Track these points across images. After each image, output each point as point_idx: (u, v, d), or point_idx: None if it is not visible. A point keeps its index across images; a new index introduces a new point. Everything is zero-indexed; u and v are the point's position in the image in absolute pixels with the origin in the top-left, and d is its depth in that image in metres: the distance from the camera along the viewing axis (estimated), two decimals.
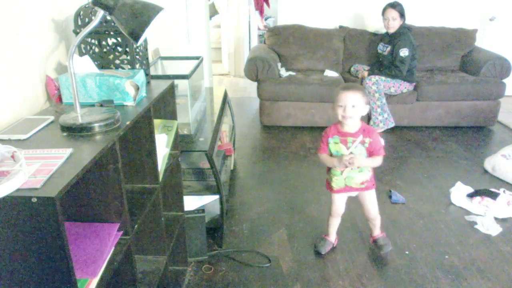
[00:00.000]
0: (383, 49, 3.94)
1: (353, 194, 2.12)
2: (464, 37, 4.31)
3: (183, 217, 1.92)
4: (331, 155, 1.98)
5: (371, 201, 2.12)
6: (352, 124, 1.91)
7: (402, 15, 3.76)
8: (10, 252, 0.87)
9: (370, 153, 1.93)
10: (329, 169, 2.06)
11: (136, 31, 1.17)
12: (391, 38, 3.83)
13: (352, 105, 1.85)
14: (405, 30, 3.79)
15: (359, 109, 1.87)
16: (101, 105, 1.30)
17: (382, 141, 1.97)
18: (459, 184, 2.83)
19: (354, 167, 1.94)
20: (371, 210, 2.13)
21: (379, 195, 2.30)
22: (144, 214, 1.35)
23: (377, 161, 1.94)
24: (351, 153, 1.91)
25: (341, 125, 1.95)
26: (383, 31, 4.09)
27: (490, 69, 3.94)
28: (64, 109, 1.34)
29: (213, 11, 6.29)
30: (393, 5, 3.74)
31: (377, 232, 2.21)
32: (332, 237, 2.25)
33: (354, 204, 2.68)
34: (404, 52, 3.71)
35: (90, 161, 0.96)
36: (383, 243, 2.17)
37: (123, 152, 1.41)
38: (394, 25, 3.77)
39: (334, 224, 2.23)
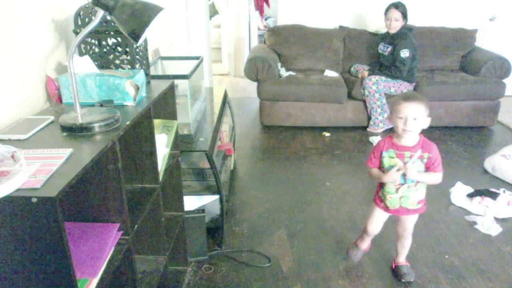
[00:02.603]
0: (384, 49, 3.93)
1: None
2: (464, 37, 4.31)
3: (183, 217, 1.92)
4: (382, 171, 1.79)
5: (414, 221, 1.91)
6: (411, 137, 1.73)
7: (404, 16, 3.76)
8: (10, 252, 0.87)
9: (427, 169, 1.76)
10: (381, 186, 1.86)
11: (136, 31, 1.17)
12: (392, 39, 3.82)
13: (414, 118, 1.66)
14: (406, 30, 3.79)
15: (421, 122, 1.68)
16: (101, 105, 1.30)
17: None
18: (459, 184, 2.83)
19: (411, 184, 1.77)
20: (409, 229, 1.93)
21: None
22: (144, 214, 1.35)
23: (436, 178, 1.75)
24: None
25: (397, 138, 1.76)
26: (383, 31, 4.09)
27: (490, 69, 3.94)
28: (64, 109, 1.34)
29: (213, 11, 6.28)
30: (396, 6, 3.73)
31: (403, 259, 2.04)
32: (365, 245, 2.09)
33: (354, 203, 2.68)
34: (405, 53, 3.71)
35: (90, 161, 0.96)
36: (406, 271, 2.00)
37: (123, 152, 1.41)
38: (396, 25, 3.77)
39: (369, 239, 2.06)
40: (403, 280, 1.98)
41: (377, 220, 1.95)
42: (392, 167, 1.75)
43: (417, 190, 1.80)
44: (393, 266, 2.06)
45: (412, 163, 1.72)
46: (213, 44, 6.21)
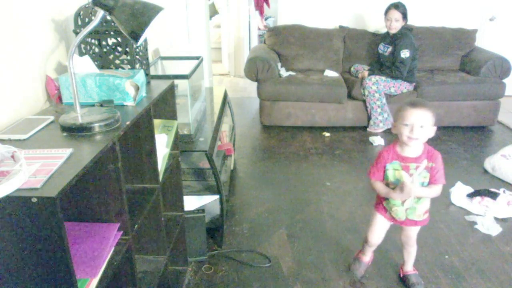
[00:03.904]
0: (384, 49, 3.93)
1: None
2: (464, 37, 4.31)
3: (183, 217, 1.92)
4: (386, 183, 1.73)
5: (417, 229, 1.88)
6: (416, 147, 1.66)
7: (404, 16, 3.76)
8: (10, 252, 0.87)
9: (430, 178, 1.69)
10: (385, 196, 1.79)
11: (136, 31, 1.17)
12: (392, 39, 3.82)
13: (421, 125, 1.58)
14: (406, 31, 3.79)
15: (427, 130, 1.61)
16: (101, 105, 1.30)
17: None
18: (459, 184, 2.83)
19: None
20: (413, 237, 1.89)
21: None
22: (144, 214, 1.35)
23: (436, 191, 1.69)
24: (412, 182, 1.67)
25: (401, 148, 1.68)
26: (383, 31, 4.09)
27: (490, 69, 3.94)
28: (64, 109, 1.34)
29: (213, 11, 6.28)
30: (396, 6, 3.73)
31: (410, 267, 1.99)
32: (368, 257, 2.03)
33: (354, 203, 2.68)
34: (405, 54, 3.71)
35: (90, 161, 0.96)
36: (416, 281, 1.94)
37: (123, 152, 1.41)
38: (396, 26, 3.76)
39: (371, 250, 2.00)
40: None
41: (379, 230, 1.89)
42: (398, 181, 1.67)
43: (423, 201, 1.75)
44: (401, 275, 2.02)
45: (418, 174, 1.66)
46: (213, 44, 6.21)
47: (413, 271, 2.00)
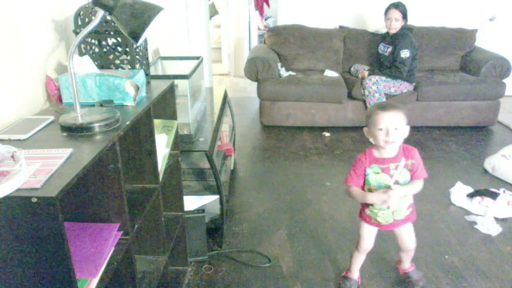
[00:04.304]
0: (384, 49, 3.93)
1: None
2: (464, 37, 4.31)
3: (183, 217, 1.92)
4: (368, 188, 1.69)
5: (410, 232, 1.85)
6: (393, 148, 1.65)
7: (404, 16, 3.75)
8: (10, 252, 0.87)
9: (411, 175, 1.68)
10: (367, 204, 1.75)
11: (136, 31, 1.17)
12: (392, 39, 3.82)
13: (395, 128, 1.57)
14: (406, 31, 3.78)
15: (402, 131, 1.60)
16: (101, 105, 1.30)
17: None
18: (459, 184, 2.83)
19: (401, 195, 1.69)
20: (410, 241, 1.87)
21: None
22: (144, 214, 1.35)
23: (419, 186, 1.68)
24: (396, 181, 1.65)
25: (378, 151, 1.67)
26: (383, 31, 4.09)
27: (490, 69, 3.94)
28: (64, 109, 1.34)
29: (213, 11, 6.28)
30: (396, 6, 3.73)
31: (408, 265, 1.99)
32: (356, 274, 1.99)
33: (354, 203, 2.68)
34: (405, 54, 3.71)
35: (90, 161, 0.96)
36: (417, 277, 1.96)
37: (123, 152, 1.41)
38: (396, 25, 3.76)
39: (360, 261, 1.96)
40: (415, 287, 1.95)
41: (369, 236, 1.86)
42: (380, 184, 1.65)
43: (405, 197, 1.72)
44: (401, 273, 2.02)
45: (399, 173, 1.65)
46: (213, 44, 6.21)
47: (411, 267, 2.00)
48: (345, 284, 1.96)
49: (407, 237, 1.85)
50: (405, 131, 1.62)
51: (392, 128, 1.57)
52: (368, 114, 1.65)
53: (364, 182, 1.70)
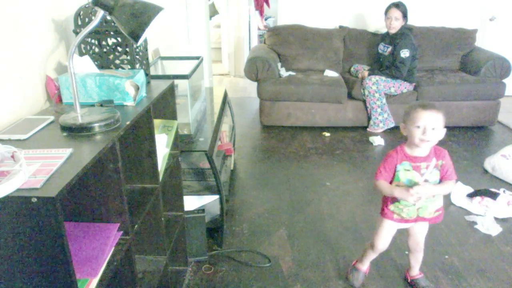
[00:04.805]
0: (384, 49, 3.93)
1: (407, 225, 1.83)
2: (464, 37, 4.31)
3: (183, 217, 1.92)
4: (397, 185, 1.68)
5: (424, 232, 1.84)
6: (426, 147, 1.65)
7: (405, 15, 3.76)
8: (10, 252, 0.87)
9: (442, 177, 1.69)
10: (394, 199, 1.73)
11: (136, 31, 1.17)
12: (392, 39, 3.83)
13: (433, 128, 1.58)
14: (406, 31, 3.79)
15: (439, 132, 1.61)
16: (101, 105, 1.30)
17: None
18: (459, 184, 2.83)
19: (429, 195, 1.68)
20: (420, 243, 1.86)
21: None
22: (144, 214, 1.35)
23: (450, 187, 1.68)
24: (425, 180, 1.65)
25: (410, 148, 1.67)
26: (383, 31, 4.09)
27: (490, 69, 3.94)
28: (64, 109, 1.34)
29: (213, 11, 6.28)
30: (397, 5, 3.74)
31: (417, 271, 1.97)
32: (365, 266, 1.99)
33: (354, 203, 2.68)
34: (405, 53, 3.71)
35: (90, 161, 0.96)
36: (425, 284, 1.93)
37: (123, 152, 1.41)
38: (396, 25, 3.76)
39: (372, 257, 1.96)
40: None
41: (387, 235, 1.84)
42: (410, 181, 1.65)
43: (434, 200, 1.71)
44: (409, 280, 1.99)
45: (430, 173, 1.65)
46: (213, 44, 6.21)
47: (419, 274, 1.97)
48: (353, 275, 1.98)
49: (419, 236, 1.84)
50: (441, 133, 1.62)
51: (430, 127, 1.58)
52: (407, 110, 1.65)
53: (394, 178, 1.70)
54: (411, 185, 1.65)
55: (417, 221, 1.79)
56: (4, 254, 0.87)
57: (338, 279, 2.02)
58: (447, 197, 2.73)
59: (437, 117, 1.60)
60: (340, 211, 2.61)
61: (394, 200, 1.73)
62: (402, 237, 2.32)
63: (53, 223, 0.83)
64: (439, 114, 1.60)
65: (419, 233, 1.84)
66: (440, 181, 1.70)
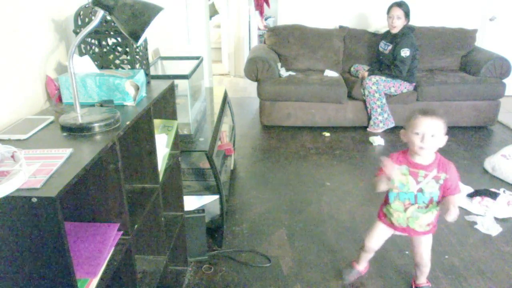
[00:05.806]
0: (385, 47, 3.93)
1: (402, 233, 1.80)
2: (464, 37, 4.31)
3: (183, 217, 1.92)
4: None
5: (427, 245, 1.80)
6: (427, 155, 1.63)
7: (407, 15, 3.75)
8: (10, 252, 0.87)
9: (444, 191, 1.63)
10: (386, 201, 1.74)
11: (136, 31, 1.17)
12: (393, 37, 3.82)
13: (432, 134, 1.56)
14: (408, 30, 3.78)
15: (438, 140, 1.59)
16: (101, 105, 1.30)
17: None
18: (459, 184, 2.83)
19: (422, 205, 1.66)
20: (424, 255, 1.82)
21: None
22: (144, 214, 1.35)
23: (457, 201, 1.61)
24: (420, 189, 1.63)
25: (411, 155, 1.65)
26: (383, 31, 4.09)
27: (490, 69, 3.94)
28: (64, 109, 1.34)
29: (213, 11, 6.28)
30: (399, 4, 3.74)
31: (423, 280, 1.92)
32: (361, 266, 1.99)
33: (354, 203, 2.68)
34: (405, 52, 3.71)
35: (90, 161, 0.96)
36: None
37: (123, 152, 1.41)
38: (398, 24, 3.76)
39: (367, 257, 1.95)
40: None
41: (378, 236, 1.84)
42: (402, 185, 1.63)
43: (427, 212, 1.67)
44: (413, 287, 1.95)
45: (426, 183, 1.61)
46: (213, 44, 6.21)
47: (426, 283, 1.93)
48: (346, 271, 2.00)
49: (424, 249, 1.80)
50: (441, 141, 1.60)
51: (429, 134, 1.56)
52: (408, 116, 1.63)
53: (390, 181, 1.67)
54: (403, 188, 1.64)
55: (408, 232, 1.76)
56: (4, 254, 0.87)
57: (338, 279, 2.02)
58: None
59: (437, 123, 1.57)
60: (340, 211, 2.61)
61: (387, 202, 1.74)
62: (401, 237, 2.32)
63: (53, 223, 0.83)
64: (439, 121, 1.58)
65: (421, 246, 1.80)
66: (443, 195, 1.64)
